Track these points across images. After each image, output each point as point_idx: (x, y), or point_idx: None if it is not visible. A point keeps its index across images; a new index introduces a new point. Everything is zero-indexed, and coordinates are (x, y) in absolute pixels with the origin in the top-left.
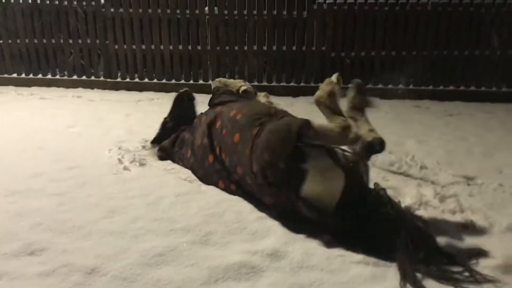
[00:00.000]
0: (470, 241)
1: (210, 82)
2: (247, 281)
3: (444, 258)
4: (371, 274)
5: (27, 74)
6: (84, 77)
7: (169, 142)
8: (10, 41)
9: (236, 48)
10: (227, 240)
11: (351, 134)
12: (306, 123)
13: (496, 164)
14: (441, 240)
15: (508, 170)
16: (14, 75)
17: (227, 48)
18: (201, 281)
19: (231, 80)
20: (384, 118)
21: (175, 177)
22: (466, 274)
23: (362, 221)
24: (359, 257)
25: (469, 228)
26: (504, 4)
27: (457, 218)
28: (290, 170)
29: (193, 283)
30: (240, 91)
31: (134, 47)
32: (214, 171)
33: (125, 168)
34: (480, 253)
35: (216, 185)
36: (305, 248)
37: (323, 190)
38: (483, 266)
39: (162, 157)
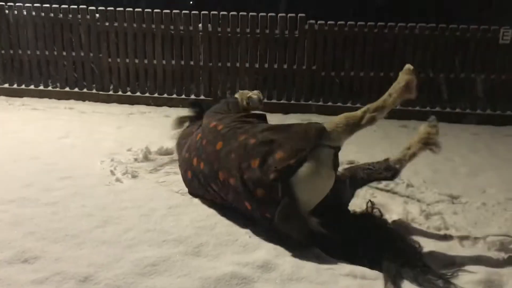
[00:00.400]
0: (453, 257)
1: (201, 96)
2: None
3: (425, 268)
4: (358, 286)
5: (19, 85)
6: (76, 89)
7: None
8: (3, 51)
9: (229, 64)
10: (219, 252)
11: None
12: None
13: (480, 184)
14: (425, 254)
15: (491, 190)
16: (6, 85)
17: (219, 64)
18: None
19: (245, 91)
20: (373, 137)
21: (167, 189)
22: (442, 284)
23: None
24: (348, 270)
25: (453, 244)
26: (488, 30)
27: (442, 235)
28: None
29: None
30: (247, 99)
31: (127, 60)
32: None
33: (118, 180)
34: (461, 268)
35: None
36: (295, 260)
37: (315, 184)
38: (465, 281)
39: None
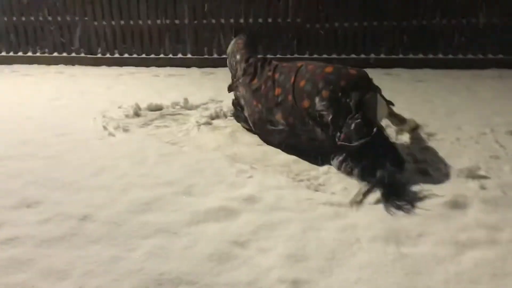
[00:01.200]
0: (424, 185)
1: (188, 55)
2: (225, 221)
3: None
4: (334, 213)
5: (7, 52)
6: (65, 54)
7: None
8: None
9: (213, 21)
10: (208, 190)
11: None
12: None
13: (456, 122)
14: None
15: (466, 127)
16: None
17: (204, 21)
18: (184, 223)
19: None
20: None
21: (158, 140)
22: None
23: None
24: (325, 199)
25: (424, 174)
26: None
27: (414, 166)
28: None
29: (177, 224)
30: None
31: (113, 23)
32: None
33: (110, 134)
34: (430, 192)
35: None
36: (278, 194)
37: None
38: (434, 203)
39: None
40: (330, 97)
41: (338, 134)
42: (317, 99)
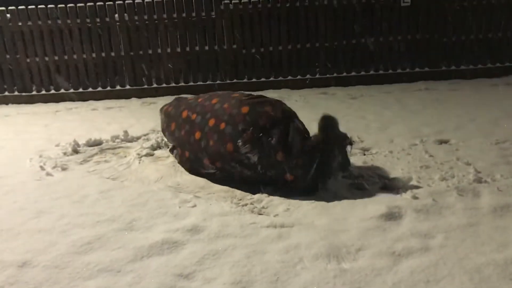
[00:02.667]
0: (361, 198)
1: (127, 86)
2: (170, 254)
3: None
4: (278, 235)
5: None
6: None
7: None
8: None
9: (150, 52)
10: (151, 224)
11: None
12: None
13: (389, 136)
14: None
15: (398, 139)
16: None
17: (141, 52)
18: (128, 260)
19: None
20: (294, 106)
21: (98, 177)
22: None
23: None
24: (268, 221)
25: (361, 189)
26: None
27: (350, 182)
28: None
29: (120, 262)
30: None
31: (46, 59)
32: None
33: (48, 174)
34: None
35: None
36: (222, 220)
37: None
38: (369, 216)
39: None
40: (253, 139)
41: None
42: (239, 142)
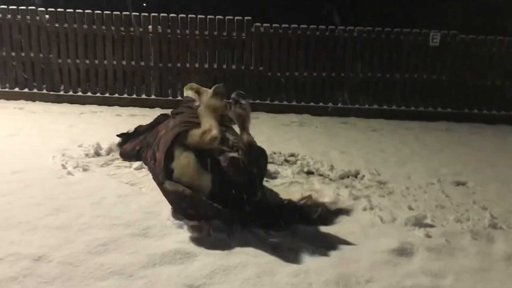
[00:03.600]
0: (374, 231)
1: (152, 96)
2: (181, 264)
3: None
4: (288, 258)
5: None
6: (26, 90)
7: (131, 145)
8: None
9: (179, 65)
10: (165, 233)
11: (208, 138)
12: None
13: (407, 172)
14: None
15: (416, 176)
16: None
17: (169, 65)
18: (141, 265)
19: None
20: (314, 132)
21: (117, 181)
22: None
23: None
24: (278, 243)
25: (375, 220)
26: (419, 33)
27: (366, 213)
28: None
29: (133, 266)
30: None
31: (77, 61)
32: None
33: (69, 173)
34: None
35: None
36: (236, 236)
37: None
38: (381, 249)
39: (122, 154)
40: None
41: None
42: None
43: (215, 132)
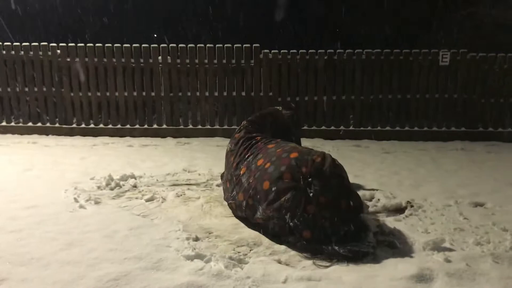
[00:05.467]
0: (391, 257)
1: (164, 126)
2: None
3: None
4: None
5: None
6: (39, 124)
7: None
8: None
9: (189, 94)
10: (177, 265)
11: None
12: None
13: (422, 194)
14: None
15: (432, 198)
16: None
17: (180, 94)
18: None
19: None
20: None
21: (129, 213)
22: None
23: None
24: (295, 274)
25: (391, 245)
26: (429, 53)
27: (381, 239)
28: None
29: None
30: None
31: (89, 94)
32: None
33: (81, 206)
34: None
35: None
36: (247, 269)
37: None
38: (399, 277)
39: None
40: (289, 183)
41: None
42: (278, 183)
43: None
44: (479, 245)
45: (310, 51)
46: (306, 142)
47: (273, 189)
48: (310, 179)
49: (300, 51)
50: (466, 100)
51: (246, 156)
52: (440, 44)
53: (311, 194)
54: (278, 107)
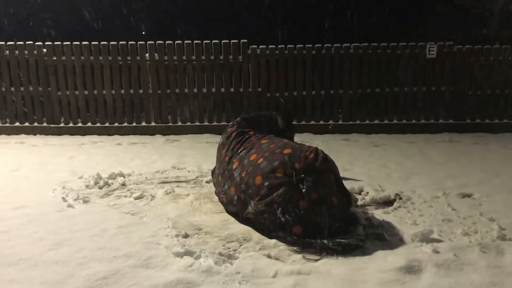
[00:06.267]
0: (380, 249)
1: (152, 123)
2: None
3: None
4: (294, 282)
5: None
6: (26, 124)
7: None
8: None
9: (177, 90)
10: (166, 262)
11: None
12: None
13: (411, 186)
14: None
15: (421, 190)
16: None
17: (168, 91)
18: None
19: None
20: None
21: (118, 211)
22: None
23: None
24: (285, 268)
25: (380, 237)
26: (416, 46)
27: (370, 232)
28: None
29: None
30: None
31: (76, 92)
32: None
33: (69, 206)
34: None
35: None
36: (237, 264)
37: None
38: (389, 268)
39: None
40: (282, 178)
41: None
42: (271, 178)
43: None
44: (466, 235)
45: (298, 46)
46: (295, 137)
47: (265, 184)
48: (302, 175)
49: (288, 46)
50: (454, 92)
51: (239, 151)
52: (430, 36)
53: (303, 190)
54: (273, 112)
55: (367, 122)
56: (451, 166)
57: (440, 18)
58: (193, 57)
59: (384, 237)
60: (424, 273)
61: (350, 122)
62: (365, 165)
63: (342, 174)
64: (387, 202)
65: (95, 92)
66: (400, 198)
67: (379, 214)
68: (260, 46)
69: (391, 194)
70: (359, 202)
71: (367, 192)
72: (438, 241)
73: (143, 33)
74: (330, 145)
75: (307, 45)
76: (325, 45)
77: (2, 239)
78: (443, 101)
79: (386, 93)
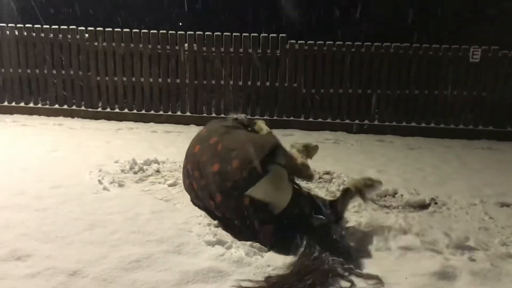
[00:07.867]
0: (414, 253)
1: (187, 113)
2: (214, 283)
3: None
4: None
5: (9, 102)
6: (65, 106)
7: None
8: None
9: (213, 82)
10: (198, 250)
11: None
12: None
13: (447, 192)
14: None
15: (457, 196)
16: None
17: (204, 82)
18: (173, 283)
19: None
20: (350, 150)
21: (152, 197)
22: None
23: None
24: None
25: (414, 242)
26: (459, 49)
27: (405, 235)
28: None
29: (166, 284)
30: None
31: (115, 79)
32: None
33: (105, 188)
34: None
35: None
36: (268, 256)
37: (274, 196)
38: (422, 273)
39: None
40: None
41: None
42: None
43: (311, 172)
44: (504, 245)
45: (337, 43)
46: (329, 135)
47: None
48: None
49: (327, 42)
50: (495, 98)
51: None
52: (474, 39)
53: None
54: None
55: (404, 124)
56: (490, 173)
57: (487, 21)
58: (231, 49)
59: (418, 242)
60: (458, 280)
61: (386, 123)
62: (400, 167)
63: (376, 175)
64: (422, 206)
65: (133, 79)
66: (436, 203)
67: (413, 217)
68: (299, 42)
69: (426, 198)
70: (394, 204)
71: (402, 195)
72: (474, 249)
73: (180, 24)
74: (364, 145)
75: (346, 43)
76: (365, 43)
77: (40, 217)
78: (484, 107)
79: (425, 96)
